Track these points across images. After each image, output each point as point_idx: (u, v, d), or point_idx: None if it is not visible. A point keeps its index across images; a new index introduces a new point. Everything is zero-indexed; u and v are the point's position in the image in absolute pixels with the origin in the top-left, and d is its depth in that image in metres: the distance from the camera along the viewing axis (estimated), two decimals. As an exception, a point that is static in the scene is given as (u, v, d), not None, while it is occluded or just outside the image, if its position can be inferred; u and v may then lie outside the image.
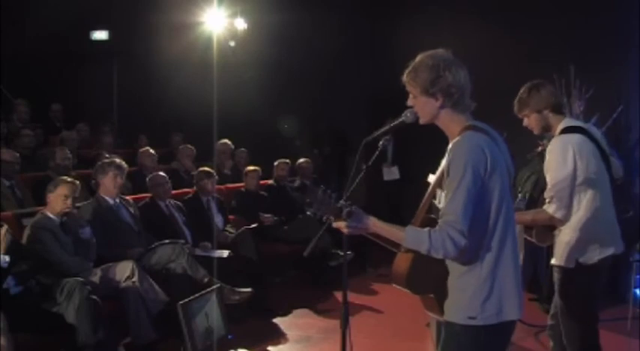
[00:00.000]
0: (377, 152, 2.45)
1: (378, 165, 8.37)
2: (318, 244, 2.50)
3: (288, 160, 7.86)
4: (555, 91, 3.51)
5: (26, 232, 4.64)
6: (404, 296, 2.54)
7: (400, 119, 2.46)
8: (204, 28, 8.92)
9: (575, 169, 3.23)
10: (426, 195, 2.46)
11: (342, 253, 2.69)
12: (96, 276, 4.64)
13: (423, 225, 2.34)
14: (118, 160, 5.41)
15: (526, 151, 5.72)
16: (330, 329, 5.28)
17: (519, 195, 4.03)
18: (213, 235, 5.97)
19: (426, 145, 4.19)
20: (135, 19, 9.80)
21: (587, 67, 6.57)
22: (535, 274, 6.09)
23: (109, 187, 5.26)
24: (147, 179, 6.08)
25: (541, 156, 5.18)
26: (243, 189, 7.33)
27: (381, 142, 2.48)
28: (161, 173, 6.09)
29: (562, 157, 3.24)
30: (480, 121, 2.41)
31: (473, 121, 2.39)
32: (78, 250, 4.72)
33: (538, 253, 5.85)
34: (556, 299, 3.48)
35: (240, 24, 9.19)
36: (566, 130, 3.32)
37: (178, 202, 6.10)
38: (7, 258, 4.09)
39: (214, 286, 4.85)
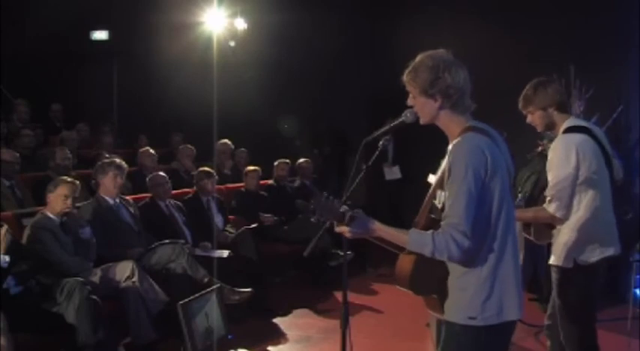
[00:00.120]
0: (377, 152, 2.45)
1: (379, 165, 8.37)
2: (318, 244, 2.50)
3: (288, 160, 7.87)
4: (562, 89, 3.50)
5: (26, 232, 4.64)
6: (404, 296, 2.54)
7: (400, 119, 2.46)
8: (204, 28, 8.92)
9: (577, 169, 3.22)
10: (428, 196, 2.46)
11: (342, 253, 2.68)
12: (96, 276, 4.64)
13: (426, 226, 2.35)
14: (118, 160, 5.41)
15: (526, 151, 5.72)
16: (330, 329, 5.28)
17: (519, 195, 4.02)
18: (213, 235, 5.97)
19: (426, 145, 4.19)
20: (135, 19, 9.80)
21: (587, 67, 6.57)
22: (535, 274, 6.08)
23: (109, 187, 5.26)
24: (147, 179, 6.08)
25: (541, 156, 5.20)
26: (243, 189, 7.33)
27: (381, 142, 2.49)
28: (161, 173, 6.09)
29: (565, 156, 3.23)
30: (480, 121, 2.41)
31: (473, 121, 2.39)
32: (78, 250, 4.72)
33: (538, 253, 5.84)
34: (553, 299, 3.48)
35: (240, 24, 9.20)
36: (570, 130, 3.31)
37: (178, 202, 6.10)
38: (7, 258, 4.09)
39: (214, 286, 4.85)
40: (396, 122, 2.46)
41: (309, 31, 8.70)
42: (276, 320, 5.70)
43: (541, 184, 3.79)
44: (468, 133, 2.32)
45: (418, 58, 2.39)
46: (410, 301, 2.91)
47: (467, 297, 2.31)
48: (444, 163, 2.37)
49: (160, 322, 4.65)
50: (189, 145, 8.07)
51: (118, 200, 5.34)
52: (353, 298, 5.97)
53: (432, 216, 2.37)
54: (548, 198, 3.29)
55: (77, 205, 4.97)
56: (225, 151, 8.32)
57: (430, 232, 2.25)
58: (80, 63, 10.15)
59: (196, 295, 4.57)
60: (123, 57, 10.51)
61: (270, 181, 7.71)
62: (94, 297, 4.28)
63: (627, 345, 4.95)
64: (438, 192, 2.38)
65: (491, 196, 2.27)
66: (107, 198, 5.27)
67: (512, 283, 2.32)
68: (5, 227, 4.30)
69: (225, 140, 8.34)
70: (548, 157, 3.33)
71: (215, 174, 6.52)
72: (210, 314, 4.60)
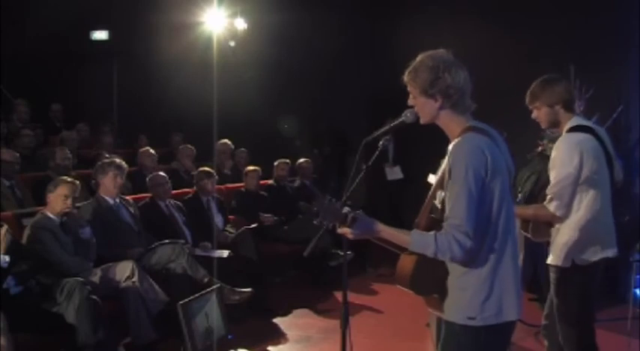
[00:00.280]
0: (377, 152, 2.45)
1: (379, 165, 8.37)
2: (318, 244, 2.49)
3: (288, 160, 7.86)
4: (571, 88, 3.48)
5: (26, 232, 4.64)
6: (404, 296, 2.54)
7: (400, 119, 2.46)
8: (204, 28, 8.92)
9: (579, 169, 3.22)
10: (428, 196, 2.46)
11: (342, 253, 2.68)
12: (96, 276, 4.64)
13: (426, 227, 2.35)
14: (118, 160, 5.41)
15: (526, 151, 5.71)
16: (330, 329, 5.28)
17: (519, 195, 4.02)
18: (213, 235, 5.97)
19: (426, 145, 4.19)
20: (135, 19, 9.80)
21: (587, 67, 6.56)
22: (535, 274, 6.07)
23: (109, 187, 5.26)
24: (147, 179, 6.08)
25: (541, 156, 5.19)
26: (243, 189, 7.33)
27: (381, 142, 2.49)
28: (161, 173, 6.09)
29: (568, 155, 3.23)
30: (480, 121, 2.41)
31: (473, 121, 2.39)
32: (78, 250, 4.72)
33: (538, 253, 5.82)
34: (551, 299, 3.48)
35: (240, 24, 9.20)
36: (575, 129, 3.31)
37: (178, 202, 6.10)
38: (7, 258, 4.09)
39: (214, 286, 4.85)
40: (396, 122, 2.47)
41: (309, 31, 8.70)
42: (276, 320, 5.70)
43: (541, 183, 3.79)
44: (469, 133, 2.32)
45: (418, 58, 2.40)
46: (410, 301, 2.91)
47: (466, 297, 2.31)
48: (444, 163, 2.37)
49: (160, 322, 4.65)
50: (189, 145, 8.07)
51: (118, 200, 5.34)
52: (353, 298, 5.97)
53: (433, 216, 2.38)
54: (549, 196, 3.28)
55: (77, 205, 4.97)
56: (225, 151, 8.32)
57: (432, 233, 2.25)
58: (80, 63, 10.15)
59: (196, 295, 4.57)
60: (123, 57, 10.51)
61: (270, 181, 7.71)
62: (94, 297, 4.28)
63: (627, 345, 4.95)
64: (439, 192, 2.38)
65: (492, 196, 2.28)
66: (107, 198, 5.27)
67: (511, 283, 2.33)
68: (5, 227, 4.30)
69: (225, 140, 8.34)
70: (552, 156, 3.32)
71: (215, 174, 6.52)
72: (210, 314, 4.60)
